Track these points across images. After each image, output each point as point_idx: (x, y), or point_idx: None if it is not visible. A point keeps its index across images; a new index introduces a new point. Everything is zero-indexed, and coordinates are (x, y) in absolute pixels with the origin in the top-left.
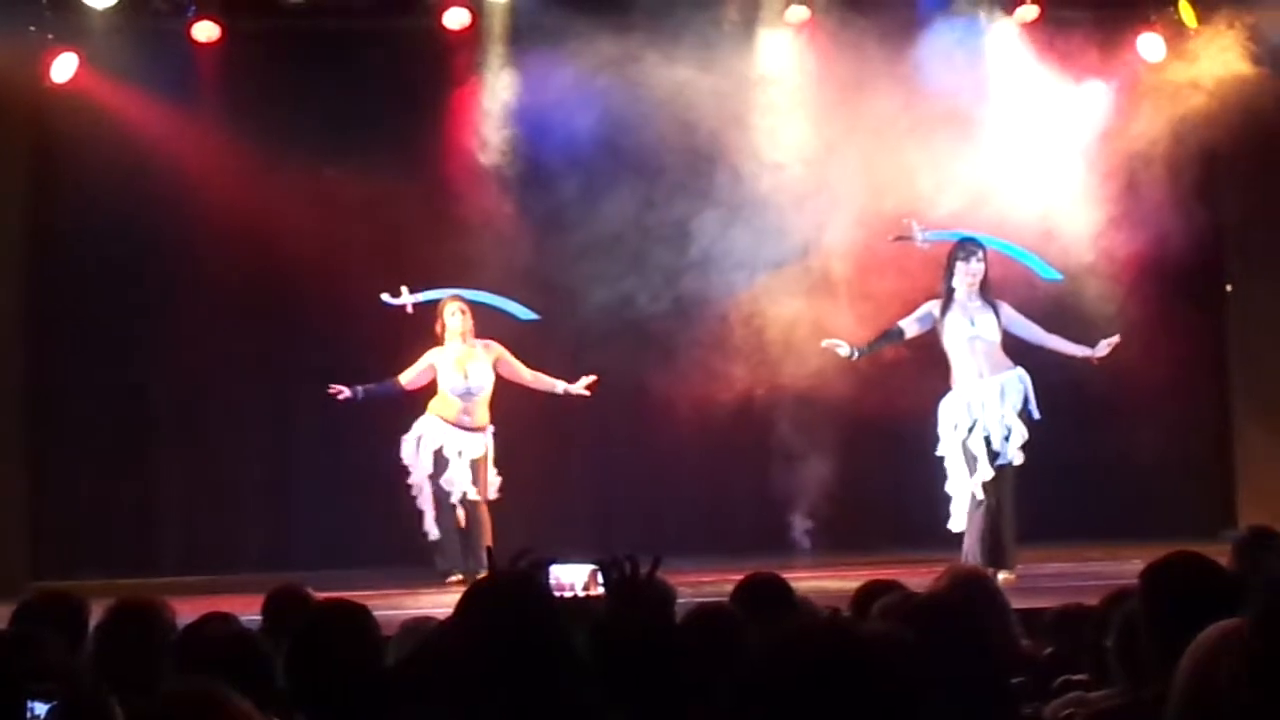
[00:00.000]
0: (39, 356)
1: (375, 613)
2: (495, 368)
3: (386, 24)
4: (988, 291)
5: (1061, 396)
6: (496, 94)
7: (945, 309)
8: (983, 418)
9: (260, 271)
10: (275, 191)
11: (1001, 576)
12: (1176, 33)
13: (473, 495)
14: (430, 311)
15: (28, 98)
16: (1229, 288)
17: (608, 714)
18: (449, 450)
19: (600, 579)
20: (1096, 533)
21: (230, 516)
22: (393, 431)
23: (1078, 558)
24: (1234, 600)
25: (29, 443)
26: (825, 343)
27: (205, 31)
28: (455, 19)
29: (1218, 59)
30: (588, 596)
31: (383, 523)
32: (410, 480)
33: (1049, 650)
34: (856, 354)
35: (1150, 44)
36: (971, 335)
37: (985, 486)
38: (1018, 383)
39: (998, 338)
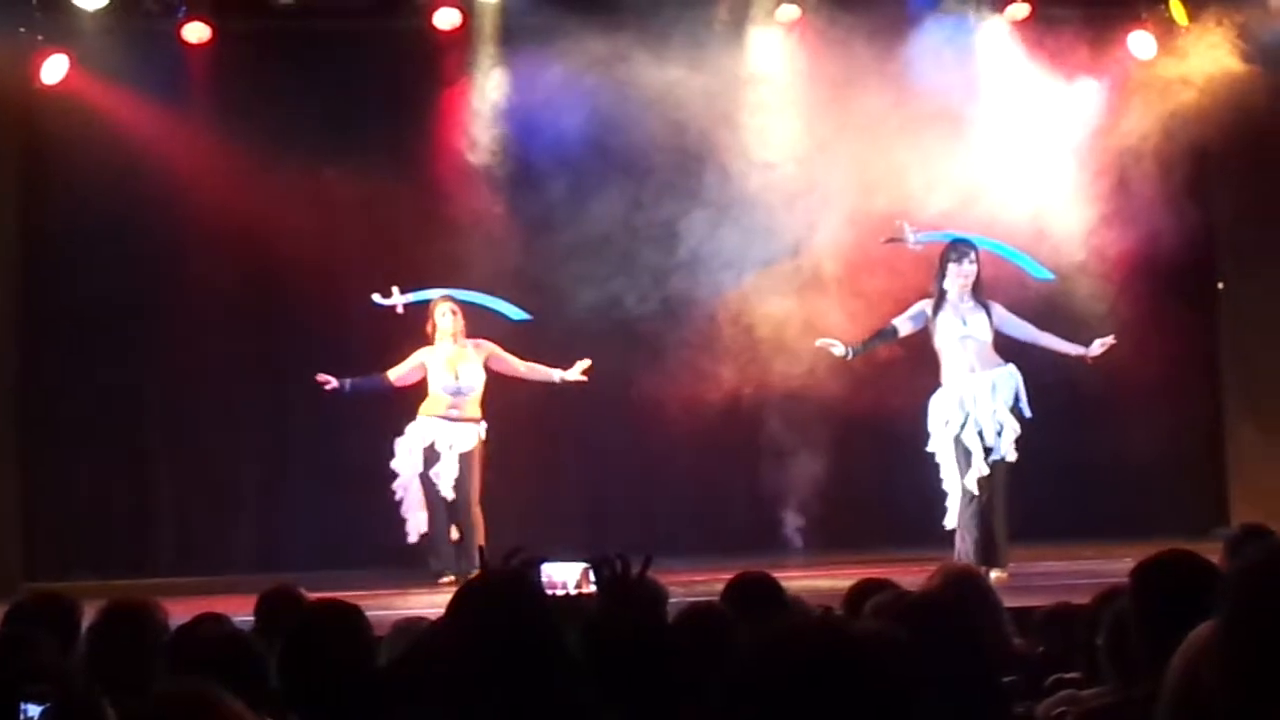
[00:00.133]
0: (32, 357)
1: (368, 613)
2: (487, 365)
3: (377, 24)
4: (980, 292)
5: (1053, 395)
6: (487, 94)
7: (937, 309)
8: (975, 412)
9: (252, 272)
10: (266, 192)
11: (994, 575)
12: (1167, 30)
13: (463, 491)
14: (421, 312)
15: (18, 99)
16: (1220, 285)
17: (600, 713)
18: (440, 445)
19: (592, 577)
20: (1088, 531)
21: (223, 517)
22: (386, 432)
23: (1070, 556)
24: None
25: (22, 443)
26: (820, 342)
27: (196, 32)
28: (446, 19)
29: (1208, 56)
30: (579, 595)
31: (375, 524)
32: (397, 482)
33: (1040, 649)
34: (851, 353)
35: (1141, 42)
36: (963, 335)
37: (978, 483)
38: (1009, 378)
39: (989, 337)
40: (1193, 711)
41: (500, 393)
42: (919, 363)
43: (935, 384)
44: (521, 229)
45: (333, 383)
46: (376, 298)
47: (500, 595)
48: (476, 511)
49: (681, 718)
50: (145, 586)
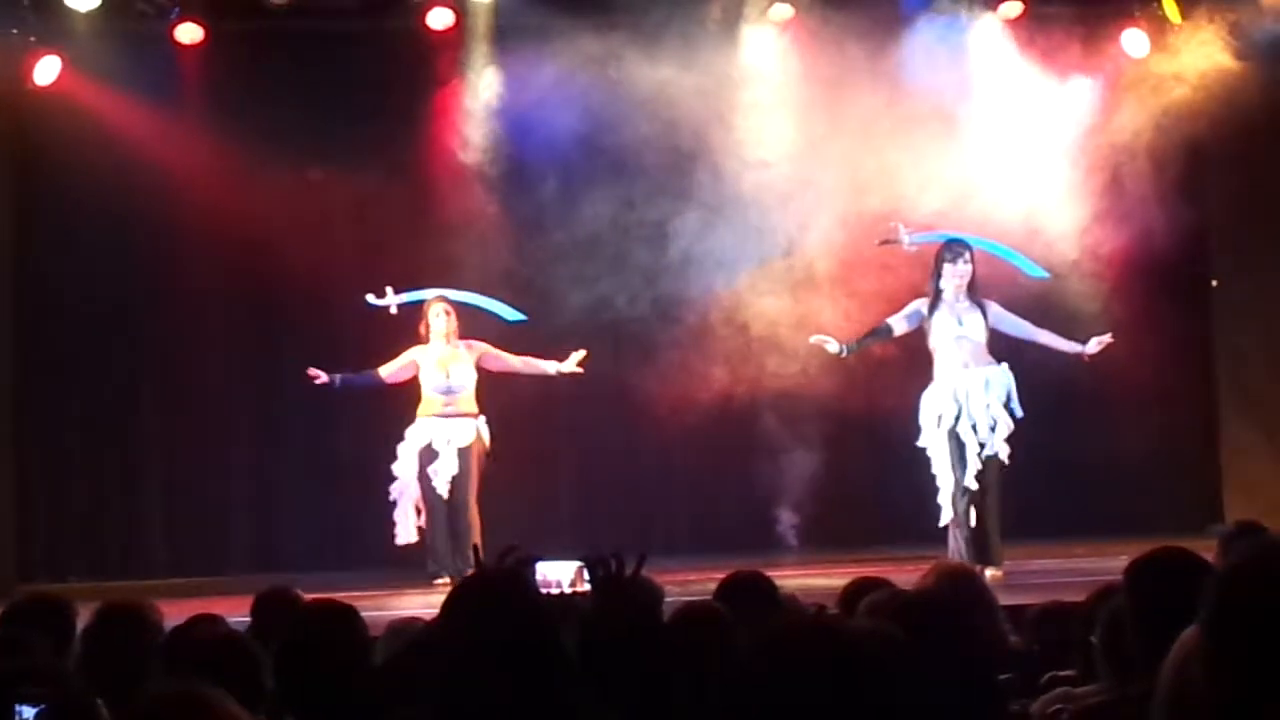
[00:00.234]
0: (24, 359)
1: (363, 614)
2: (480, 364)
3: (370, 25)
4: (975, 292)
5: (1047, 393)
6: (480, 94)
7: (933, 309)
8: (968, 406)
9: (246, 273)
10: (260, 193)
11: (989, 573)
12: (1160, 28)
13: (461, 490)
14: (415, 312)
15: (11, 100)
16: (1214, 283)
17: (596, 712)
18: (438, 443)
19: (586, 576)
20: (1083, 529)
21: (218, 519)
22: (381, 433)
23: (1064, 554)
24: None
25: (16, 445)
26: (814, 339)
27: (189, 33)
28: (439, 19)
29: (1201, 54)
30: (574, 593)
31: (371, 525)
32: (394, 485)
33: (1035, 646)
34: (845, 350)
35: (1134, 39)
36: (959, 335)
37: (972, 478)
38: (1002, 376)
39: (984, 337)
40: (1187, 709)
41: (494, 392)
42: (913, 361)
43: (929, 382)
44: (515, 229)
45: (322, 377)
46: (370, 298)
47: (495, 594)
48: (474, 511)
49: (677, 717)
50: (140, 588)
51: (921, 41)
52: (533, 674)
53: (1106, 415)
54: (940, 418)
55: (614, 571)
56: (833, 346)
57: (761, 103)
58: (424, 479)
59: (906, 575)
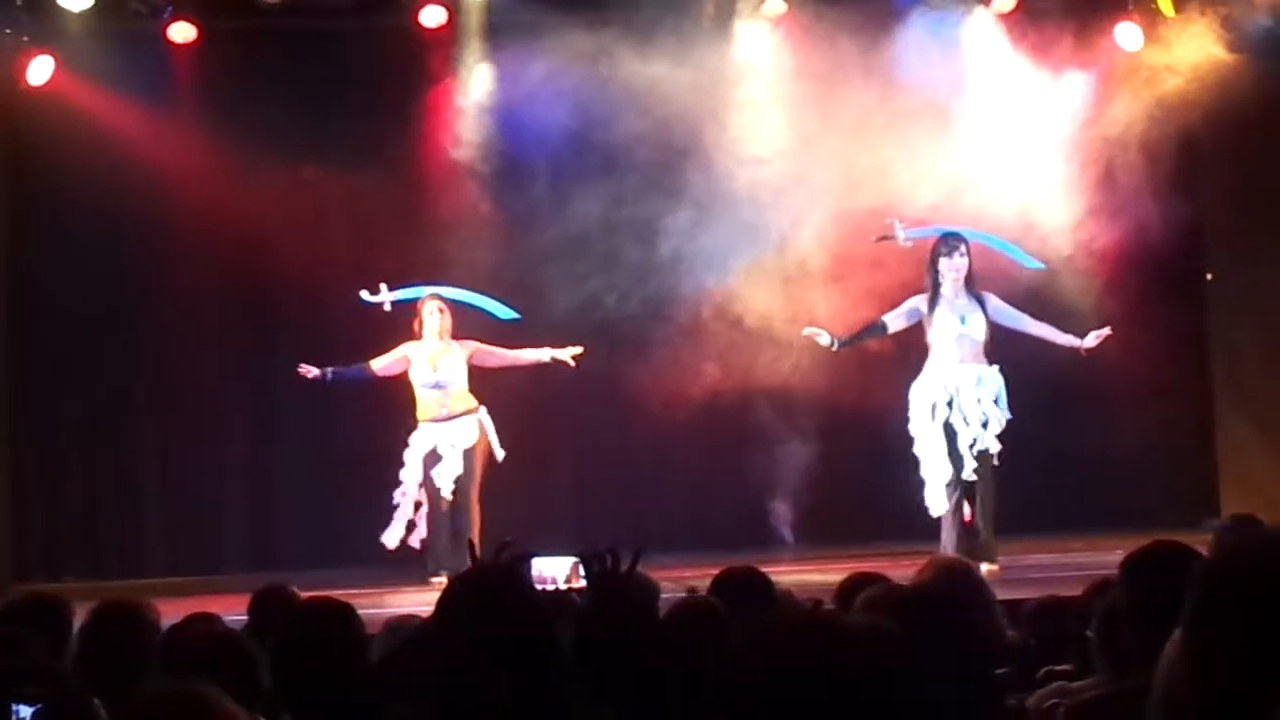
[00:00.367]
0: (18, 359)
1: (361, 612)
2: (473, 362)
3: (363, 23)
4: (973, 284)
5: (1043, 388)
6: (473, 92)
7: (933, 305)
8: (958, 399)
9: (239, 271)
10: (253, 192)
11: (985, 568)
12: (1153, 21)
13: (464, 489)
14: (408, 310)
15: (3, 100)
16: (1209, 277)
17: (592, 708)
18: (442, 447)
19: (582, 572)
20: (1079, 523)
21: (213, 518)
22: (377, 432)
23: (1060, 549)
24: None
25: (11, 446)
26: (806, 331)
27: (182, 32)
28: (431, 17)
29: (1194, 47)
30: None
31: (367, 523)
32: (399, 490)
33: (1031, 641)
34: (836, 344)
35: (1127, 33)
36: (959, 333)
37: (963, 477)
38: (994, 377)
39: (984, 335)
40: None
41: (488, 388)
42: (908, 356)
43: None
44: (508, 226)
45: (314, 372)
46: (364, 295)
47: (490, 591)
48: (475, 509)
49: (673, 713)
50: (137, 587)
51: (914, 36)
52: (528, 670)
53: (1102, 410)
54: (934, 408)
55: (610, 567)
56: (824, 339)
57: (754, 99)
58: (428, 483)
59: (903, 570)
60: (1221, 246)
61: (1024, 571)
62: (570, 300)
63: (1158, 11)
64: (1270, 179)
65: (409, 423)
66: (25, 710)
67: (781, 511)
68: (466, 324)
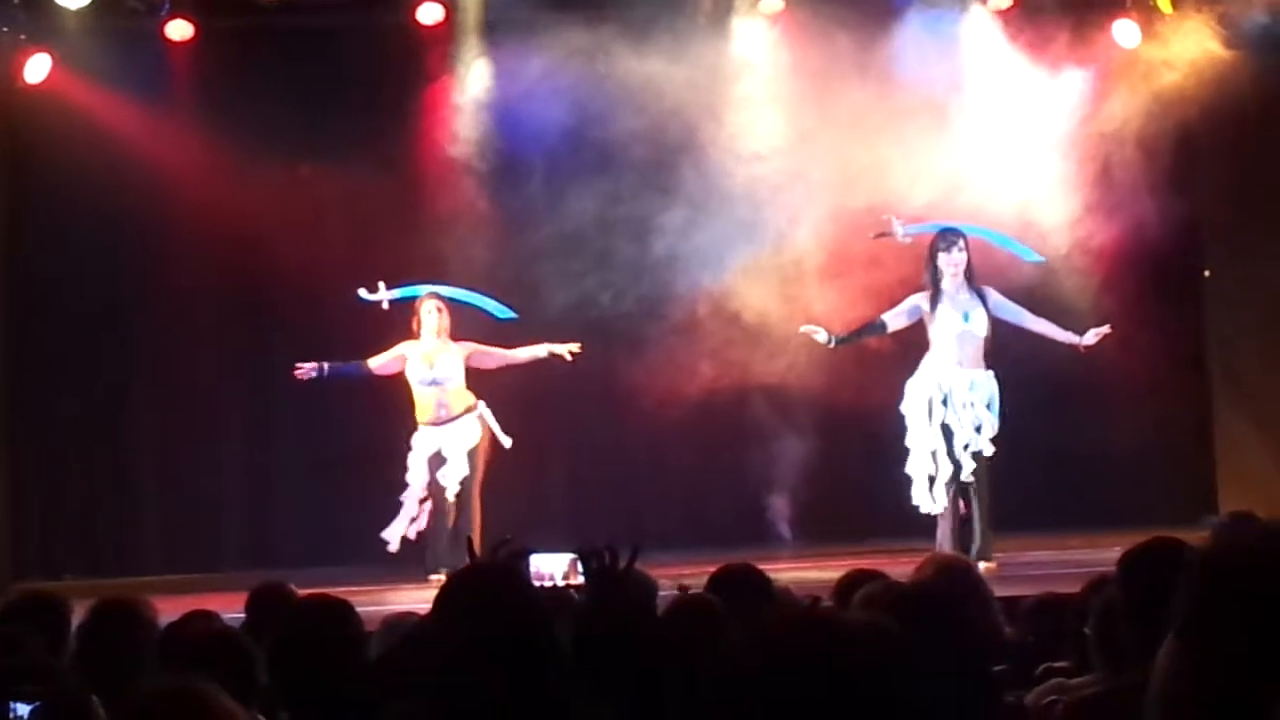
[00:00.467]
0: (15, 357)
1: (359, 609)
2: (471, 363)
3: (360, 20)
4: (973, 279)
5: (1040, 384)
6: (470, 89)
7: (935, 302)
8: (953, 400)
9: (237, 269)
10: (250, 189)
11: (983, 565)
12: (1150, 18)
13: (467, 488)
14: (406, 309)
15: (0, 99)
16: (1207, 274)
17: (590, 705)
18: (446, 449)
19: (580, 569)
20: (1076, 520)
21: (211, 515)
22: (373, 428)
23: (1058, 546)
24: None
25: (9, 444)
26: (803, 328)
27: (179, 30)
28: (429, 14)
29: (1193, 44)
30: (567, 586)
31: (365, 520)
32: (405, 493)
33: (1029, 638)
34: (834, 341)
35: (1125, 30)
36: (961, 331)
37: (959, 479)
38: (989, 381)
39: (986, 332)
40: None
41: (485, 386)
42: (907, 354)
43: None
44: (506, 224)
45: (310, 371)
46: (363, 293)
47: (488, 588)
48: (476, 505)
49: (670, 710)
50: (134, 585)
51: (912, 33)
52: (526, 668)
53: (1100, 407)
54: (930, 406)
55: (608, 564)
56: (821, 336)
57: (752, 95)
58: (434, 483)
59: (901, 568)
60: (1219, 243)
61: (1022, 569)
62: (567, 299)
63: (1155, 8)
64: (1268, 175)
65: (407, 421)
66: (23, 708)
67: (779, 509)
68: (464, 323)
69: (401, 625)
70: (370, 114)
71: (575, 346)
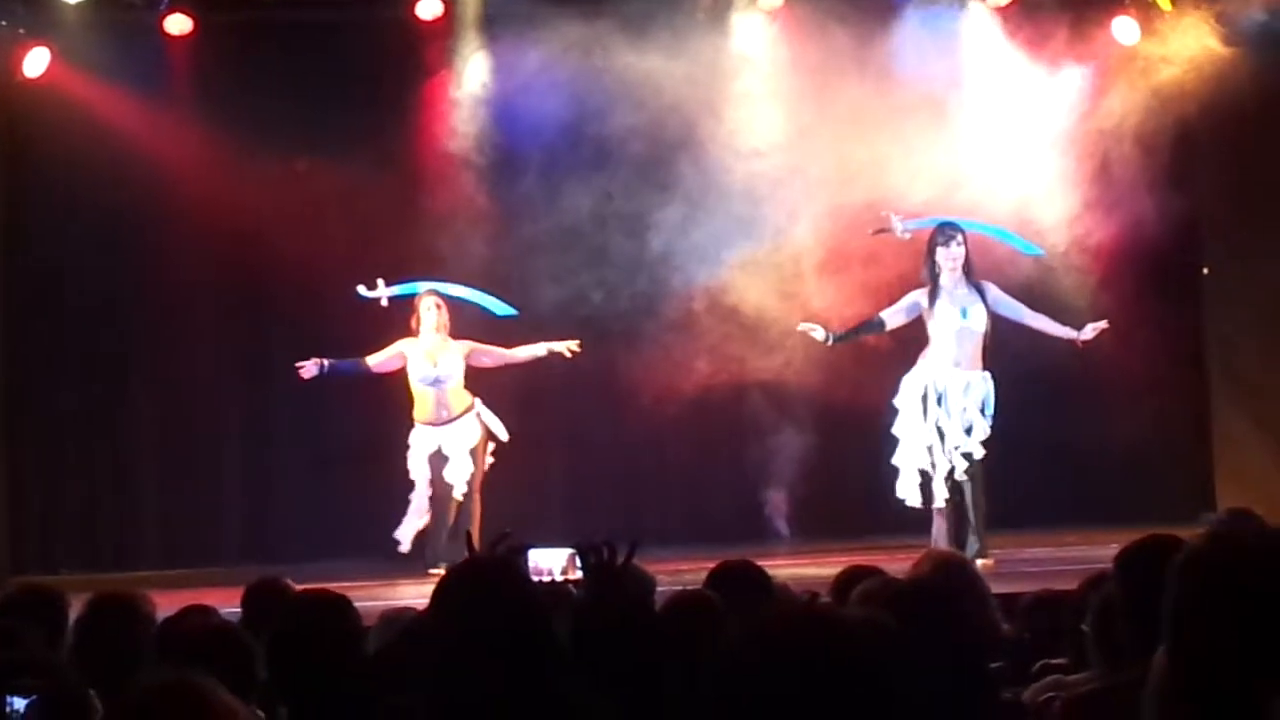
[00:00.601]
0: (15, 351)
1: (358, 604)
2: (468, 361)
3: (359, 15)
4: (972, 274)
5: (1038, 381)
6: (470, 84)
7: (933, 297)
8: (947, 401)
9: (236, 265)
10: (250, 184)
11: (980, 562)
12: (1150, 15)
13: (466, 489)
14: (405, 305)
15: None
16: (1205, 271)
17: (588, 700)
18: (447, 449)
19: (578, 563)
20: (1074, 517)
21: (209, 510)
22: (372, 423)
23: (1055, 542)
24: None
25: (7, 438)
26: (801, 326)
27: (178, 24)
28: (428, 9)
29: (1191, 41)
30: (565, 581)
31: (362, 515)
32: (415, 490)
33: (1027, 634)
34: (832, 339)
35: (1124, 27)
36: (960, 327)
37: (953, 479)
38: (983, 383)
39: (985, 327)
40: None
41: (484, 384)
42: (905, 350)
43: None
44: (505, 219)
45: (312, 369)
46: (362, 290)
47: (486, 583)
48: (475, 501)
49: (669, 706)
50: (132, 579)
51: (911, 30)
52: (524, 663)
53: (1098, 403)
54: (925, 403)
55: (606, 559)
56: (819, 334)
57: (750, 91)
58: (438, 481)
59: (899, 564)
60: (1218, 240)
61: (1019, 565)
62: (564, 293)
63: (1154, 5)
64: (1267, 172)
65: (405, 418)
66: (21, 702)
67: (777, 505)
68: (461, 321)
69: (399, 620)
70: (369, 109)
71: (575, 344)
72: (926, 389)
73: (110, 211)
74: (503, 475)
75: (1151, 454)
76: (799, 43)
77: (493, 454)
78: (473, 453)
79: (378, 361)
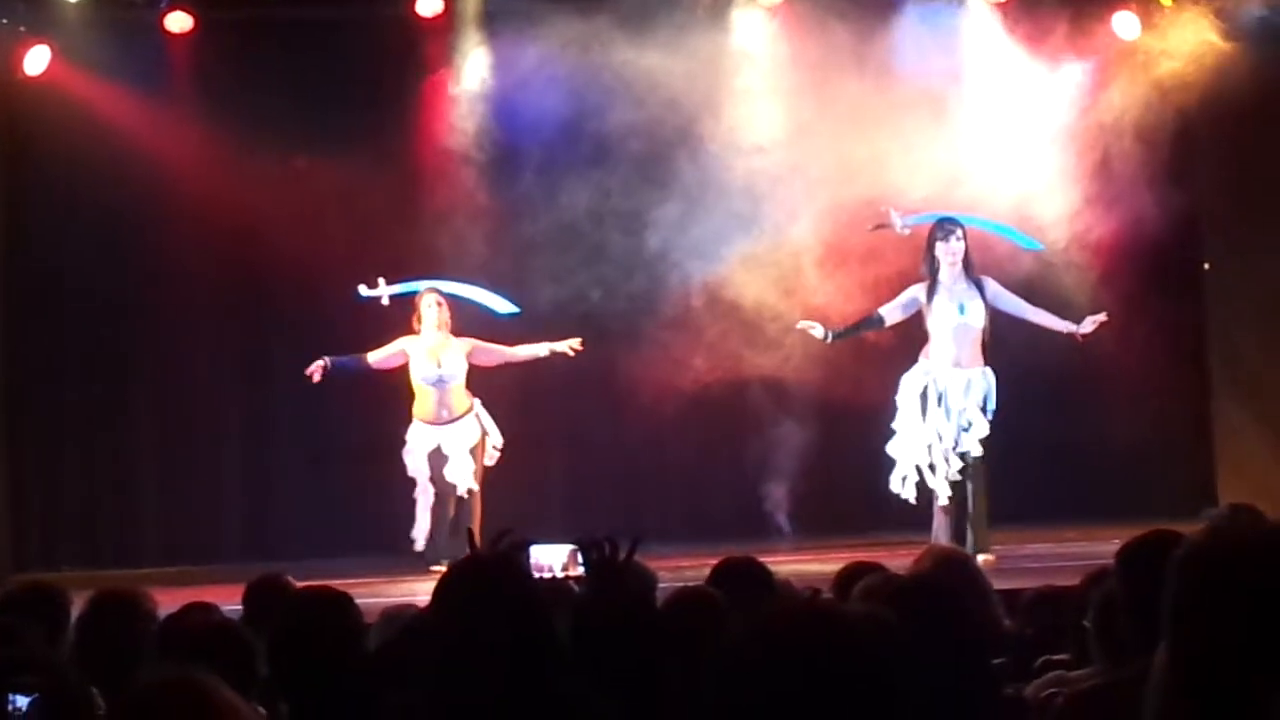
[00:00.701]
0: (16, 350)
1: (359, 601)
2: (470, 359)
3: (360, 13)
4: (971, 269)
5: (1039, 377)
6: (470, 82)
7: (932, 293)
8: (947, 399)
9: (236, 263)
10: (250, 182)
11: (981, 558)
12: (1150, 10)
13: (471, 486)
14: (405, 304)
15: (0, 91)
16: (1206, 266)
17: (589, 696)
18: (446, 448)
19: (579, 560)
20: (1076, 513)
21: (211, 507)
22: (372, 420)
23: (1057, 538)
24: None
25: (8, 436)
26: (800, 324)
27: (178, 22)
28: (428, 6)
29: (1191, 36)
30: (567, 577)
31: (363, 512)
32: (418, 489)
33: (1029, 630)
34: (831, 336)
35: (1124, 22)
36: (958, 324)
37: (952, 478)
38: (983, 380)
39: (982, 323)
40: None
41: (483, 382)
42: (905, 347)
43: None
44: (505, 217)
45: (319, 370)
46: (362, 289)
47: (487, 580)
48: (476, 498)
49: (670, 702)
50: (133, 577)
51: (911, 25)
52: (525, 660)
53: (1099, 399)
54: (924, 404)
55: (608, 555)
56: (818, 332)
57: (750, 88)
58: (440, 480)
59: (900, 560)
60: (1218, 236)
61: (1021, 561)
62: (563, 291)
63: (1154, 0)
64: (1267, 168)
65: (404, 416)
66: (22, 700)
67: (778, 501)
68: (461, 320)
69: (400, 616)
70: (369, 107)
71: (576, 342)
72: (926, 388)
73: (110, 209)
74: (503, 474)
75: (1153, 449)
76: (799, 39)
77: (496, 449)
78: (472, 451)
79: (379, 358)
